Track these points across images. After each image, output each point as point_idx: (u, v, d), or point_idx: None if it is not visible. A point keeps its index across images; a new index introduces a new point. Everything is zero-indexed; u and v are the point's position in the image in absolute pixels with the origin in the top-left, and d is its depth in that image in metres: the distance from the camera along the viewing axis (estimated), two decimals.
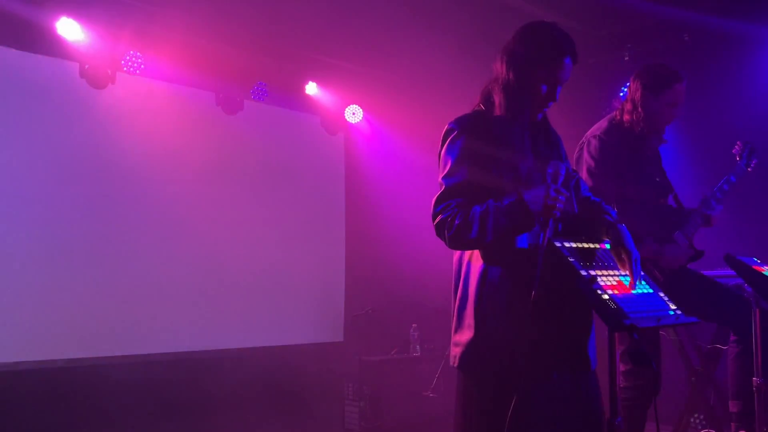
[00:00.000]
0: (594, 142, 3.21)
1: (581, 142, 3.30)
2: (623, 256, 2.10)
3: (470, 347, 2.17)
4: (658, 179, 3.34)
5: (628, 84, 3.36)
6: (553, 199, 2.01)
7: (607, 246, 2.16)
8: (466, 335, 2.19)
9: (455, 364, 2.23)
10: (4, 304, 4.84)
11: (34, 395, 4.78)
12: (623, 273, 2.07)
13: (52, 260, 5.11)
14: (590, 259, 2.05)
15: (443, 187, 2.21)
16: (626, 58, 5.50)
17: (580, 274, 1.95)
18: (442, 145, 2.28)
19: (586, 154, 3.22)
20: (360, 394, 5.09)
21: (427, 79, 6.30)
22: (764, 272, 2.84)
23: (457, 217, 2.12)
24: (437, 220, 2.18)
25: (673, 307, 2.02)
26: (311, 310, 6.54)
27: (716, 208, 3.34)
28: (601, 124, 3.32)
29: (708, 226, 3.33)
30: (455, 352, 2.23)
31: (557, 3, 5.08)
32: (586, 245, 2.09)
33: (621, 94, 3.45)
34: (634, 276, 2.05)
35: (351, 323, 5.13)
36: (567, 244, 2.04)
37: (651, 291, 2.06)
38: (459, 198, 2.16)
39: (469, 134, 2.23)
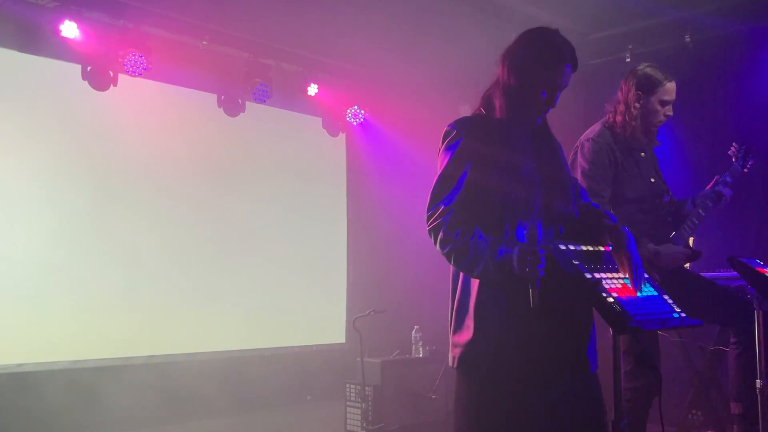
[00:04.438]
0: (587, 145, 3.25)
1: (575, 145, 3.33)
2: (623, 259, 2.11)
3: (469, 348, 2.18)
4: (653, 180, 3.36)
5: (620, 86, 3.39)
6: (531, 265, 2.01)
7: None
8: (464, 336, 2.20)
9: (454, 366, 2.25)
10: (7, 307, 4.85)
11: (37, 397, 4.80)
12: (627, 276, 2.08)
13: (56, 261, 5.12)
14: (595, 262, 2.06)
15: (437, 185, 2.24)
16: (628, 59, 5.50)
17: (585, 277, 1.96)
18: (441, 145, 2.31)
19: (579, 158, 3.26)
20: (362, 396, 5.09)
21: (428, 81, 6.31)
22: (767, 274, 2.84)
23: (455, 237, 2.13)
24: (432, 224, 2.20)
25: (677, 309, 2.03)
26: (313, 312, 6.55)
27: (714, 206, 3.35)
28: (594, 128, 3.36)
29: (719, 203, 3.33)
30: (454, 353, 2.24)
31: (560, 5, 5.08)
32: (590, 248, 2.10)
33: (616, 96, 3.49)
34: (634, 280, 2.06)
35: (353, 324, 5.13)
36: (571, 247, 2.05)
37: (656, 293, 2.07)
38: (451, 199, 2.19)
39: (468, 135, 2.25)
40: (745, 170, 3.46)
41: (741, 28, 5.05)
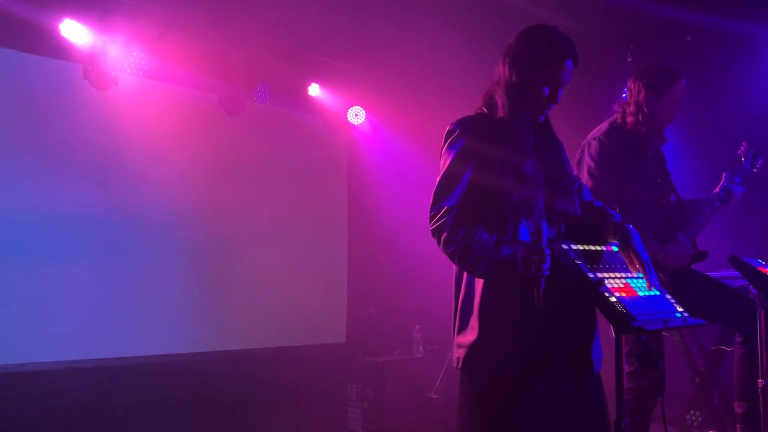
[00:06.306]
0: (594, 144, 3.26)
1: (582, 144, 3.34)
2: (633, 258, 2.10)
3: (474, 349, 2.18)
4: (659, 180, 3.36)
5: (627, 87, 3.39)
6: (536, 264, 2.01)
7: (614, 248, 2.16)
8: (469, 337, 2.19)
9: (458, 366, 2.24)
10: (7, 306, 4.85)
11: (37, 397, 4.80)
12: (630, 275, 2.08)
13: (55, 261, 5.11)
14: (597, 261, 2.05)
15: (440, 184, 2.24)
16: (629, 59, 5.49)
17: (588, 276, 1.96)
18: (443, 145, 2.31)
19: (586, 156, 3.27)
20: (363, 396, 5.10)
21: (429, 81, 6.30)
22: None
23: (459, 237, 2.13)
24: (435, 225, 2.20)
25: (680, 309, 2.02)
26: (314, 312, 6.54)
27: (721, 206, 3.35)
28: (602, 127, 3.36)
29: (728, 203, 3.34)
30: (458, 353, 2.24)
31: (560, 4, 5.08)
32: (592, 247, 2.10)
33: (623, 96, 3.49)
34: (649, 278, 2.06)
35: (354, 324, 5.14)
36: (574, 247, 2.04)
37: (658, 293, 2.06)
38: (454, 198, 2.19)
39: (470, 134, 2.25)
40: (755, 170, 3.45)
41: (743, 27, 5.04)
